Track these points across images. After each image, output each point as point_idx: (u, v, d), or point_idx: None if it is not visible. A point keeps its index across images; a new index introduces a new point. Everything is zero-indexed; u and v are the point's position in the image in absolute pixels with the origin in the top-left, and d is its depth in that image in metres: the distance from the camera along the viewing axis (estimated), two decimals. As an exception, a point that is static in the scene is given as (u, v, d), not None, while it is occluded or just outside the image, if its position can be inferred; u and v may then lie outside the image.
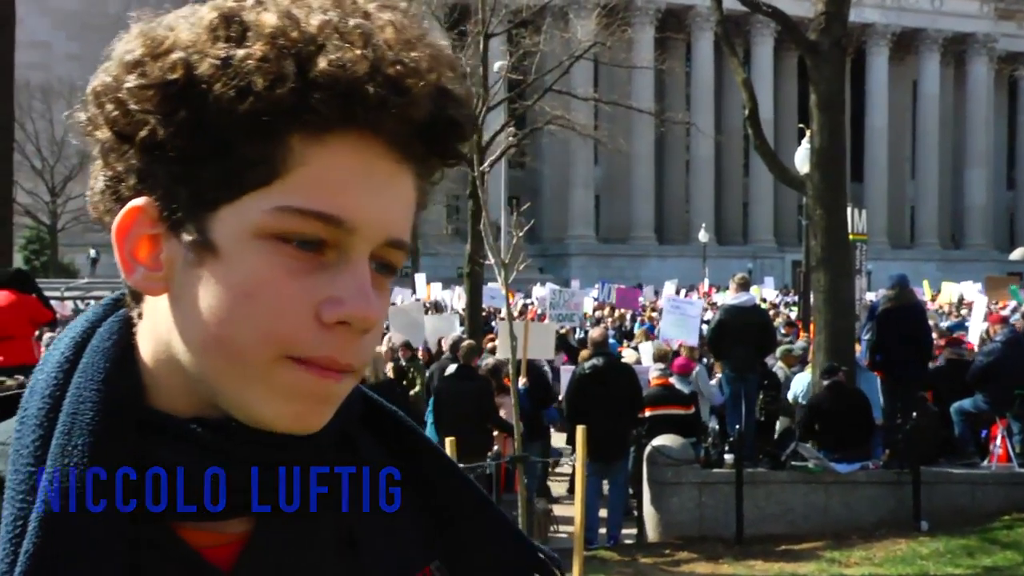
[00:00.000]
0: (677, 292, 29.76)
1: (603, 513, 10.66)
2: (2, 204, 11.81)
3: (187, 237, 0.79)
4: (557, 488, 12.71)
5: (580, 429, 8.06)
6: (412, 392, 12.71)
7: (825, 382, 11.11)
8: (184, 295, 0.80)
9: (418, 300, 26.15)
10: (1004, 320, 14.94)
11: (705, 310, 19.66)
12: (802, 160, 17.69)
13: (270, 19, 0.77)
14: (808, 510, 10.80)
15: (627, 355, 13.79)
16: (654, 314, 24.44)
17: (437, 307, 27.00)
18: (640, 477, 10.81)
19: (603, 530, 10.56)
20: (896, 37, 69.13)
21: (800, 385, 12.48)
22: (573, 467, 10.05)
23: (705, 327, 14.57)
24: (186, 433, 0.81)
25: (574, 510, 8.44)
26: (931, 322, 14.29)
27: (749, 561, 9.71)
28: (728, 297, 13.47)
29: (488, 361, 11.47)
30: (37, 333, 9.62)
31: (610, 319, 24.14)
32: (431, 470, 0.96)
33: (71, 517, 0.76)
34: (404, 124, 0.78)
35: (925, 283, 34.18)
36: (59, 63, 51.25)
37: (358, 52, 0.76)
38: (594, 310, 26.41)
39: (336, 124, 0.77)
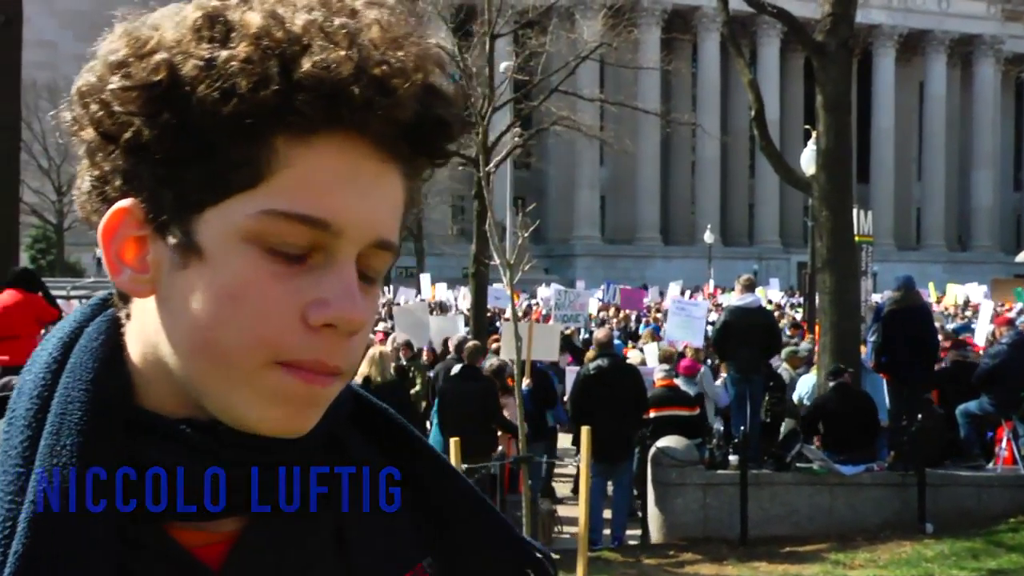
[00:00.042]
0: (682, 293, 29.78)
1: (607, 514, 10.67)
2: (9, 203, 11.85)
3: (172, 239, 0.79)
4: (561, 489, 12.70)
5: (585, 430, 8.05)
6: (412, 392, 12.72)
7: (830, 383, 11.11)
8: (171, 298, 0.79)
9: (423, 300, 26.20)
10: (1010, 322, 14.91)
11: (710, 311, 19.62)
12: (808, 161, 17.70)
13: (255, 19, 0.76)
14: (813, 512, 10.78)
15: (632, 356, 13.78)
16: (659, 315, 24.43)
17: (442, 307, 26.98)
18: (644, 478, 10.81)
19: (607, 531, 10.57)
20: (903, 38, 69.00)
21: (805, 386, 12.47)
22: (577, 468, 10.03)
23: (710, 328, 14.56)
24: (175, 434, 0.81)
25: (578, 511, 8.42)
26: (937, 324, 14.26)
27: (753, 563, 9.69)
28: (733, 298, 13.43)
29: (492, 362, 11.46)
30: (43, 332, 9.63)
31: (615, 320, 24.11)
32: (423, 468, 0.96)
33: (60, 518, 0.75)
34: (390, 125, 0.78)
35: (931, 285, 34.11)
36: (66, 63, 51.19)
37: (343, 53, 0.76)
38: (599, 311, 26.37)
39: (321, 125, 0.76)
